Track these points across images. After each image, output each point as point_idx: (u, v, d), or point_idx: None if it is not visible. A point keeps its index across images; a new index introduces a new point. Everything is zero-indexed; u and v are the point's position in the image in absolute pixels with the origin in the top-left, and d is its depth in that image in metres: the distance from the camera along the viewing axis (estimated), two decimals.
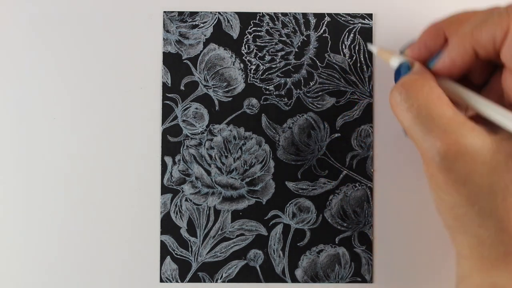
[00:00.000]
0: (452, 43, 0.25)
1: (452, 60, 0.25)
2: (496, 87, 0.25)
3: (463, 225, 0.25)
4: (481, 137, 0.23)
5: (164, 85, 0.33)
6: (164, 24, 0.33)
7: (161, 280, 0.33)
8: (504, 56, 0.23)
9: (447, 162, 0.23)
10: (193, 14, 0.33)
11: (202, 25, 0.33)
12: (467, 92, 0.25)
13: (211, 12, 0.33)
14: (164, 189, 0.33)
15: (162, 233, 0.33)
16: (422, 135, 0.24)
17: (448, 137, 0.23)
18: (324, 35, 0.33)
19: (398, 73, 0.27)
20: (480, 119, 0.25)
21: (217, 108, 0.33)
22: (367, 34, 0.33)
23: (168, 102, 0.33)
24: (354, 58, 0.33)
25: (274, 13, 0.33)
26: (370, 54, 0.33)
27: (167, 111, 0.33)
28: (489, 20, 0.23)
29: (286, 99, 0.33)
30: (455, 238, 0.26)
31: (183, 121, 0.33)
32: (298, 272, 0.33)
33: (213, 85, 0.33)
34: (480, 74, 0.26)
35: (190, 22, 0.33)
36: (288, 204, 0.33)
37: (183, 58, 0.33)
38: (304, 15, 0.33)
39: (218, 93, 0.33)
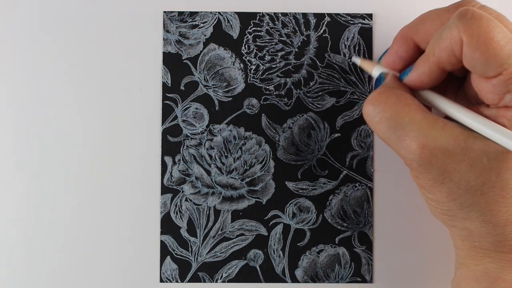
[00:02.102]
0: (418, 62, 0.26)
1: (419, 78, 0.26)
2: (471, 86, 0.26)
3: (450, 219, 0.26)
4: (453, 136, 0.24)
5: (164, 85, 0.33)
6: (164, 24, 0.33)
7: (161, 280, 0.33)
8: (466, 64, 0.24)
9: (424, 165, 0.25)
10: (193, 14, 0.33)
11: (202, 25, 0.33)
12: (438, 98, 0.26)
13: (211, 12, 0.33)
14: (164, 189, 0.33)
15: (162, 233, 0.33)
16: (397, 144, 0.25)
17: (420, 142, 0.24)
18: (324, 35, 0.33)
19: (377, 84, 0.28)
20: None
21: (217, 108, 0.33)
22: (367, 34, 0.33)
23: (168, 102, 0.33)
24: None
25: (274, 13, 0.33)
26: (370, 54, 0.33)
27: (167, 111, 0.33)
28: (443, 36, 0.24)
29: (286, 99, 0.33)
30: (449, 231, 0.28)
31: (183, 121, 0.33)
32: (298, 272, 0.33)
33: (213, 85, 0.33)
34: (458, 71, 0.27)
35: (190, 22, 0.33)
36: (288, 204, 0.33)
37: (183, 58, 0.33)
38: (304, 15, 0.33)
39: (218, 93, 0.33)
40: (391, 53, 0.28)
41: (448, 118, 0.26)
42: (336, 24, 0.33)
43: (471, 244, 0.26)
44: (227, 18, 0.33)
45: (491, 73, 0.23)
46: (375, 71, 0.29)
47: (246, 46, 0.33)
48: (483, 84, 0.24)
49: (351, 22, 0.33)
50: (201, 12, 0.33)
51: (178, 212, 0.33)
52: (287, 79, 0.33)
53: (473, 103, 0.26)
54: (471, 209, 0.25)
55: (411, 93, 0.27)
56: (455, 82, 0.28)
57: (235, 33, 0.33)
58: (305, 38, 0.33)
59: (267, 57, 0.33)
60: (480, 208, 0.25)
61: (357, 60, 0.31)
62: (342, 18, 0.33)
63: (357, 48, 0.33)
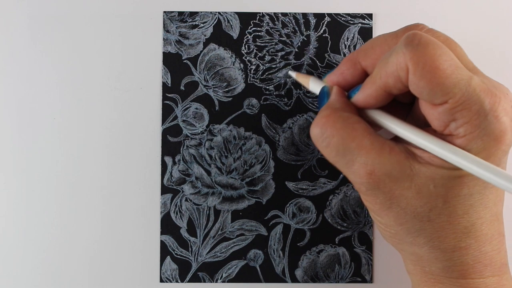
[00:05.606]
0: (365, 84, 0.26)
1: (365, 100, 0.26)
2: (419, 109, 0.26)
3: (399, 243, 0.26)
4: (399, 162, 0.24)
5: (164, 85, 0.33)
6: (164, 24, 0.33)
7: (161, 280, 0.33)
8: (412, 91, 0.23)
9: (372, 190, 0.25)
10: (193, 14, 0.33)
11: (202, 25, 0.33)
12: (386, 117, 0.26)
13: (211, 12, 0.33)
14: (164, 189, 0.33)
15: (162, 233, 0.33)
16: (346, 169, 0.25)
17: (368, 168, 0.24)
18: (324, 35, 0.33)
19: (321, 98, 0.28)
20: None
21: (217, 108, 0.33)
22: (367, 34, 0.33)
23: (168, 102, 0.33)
24: None
25: (274, 13, 0.33)
26: None
27: (167, 111, 0.33)
28: (389, 61, 0.23)
29: (286, 99, 0.33)
30: (401, 255, 0.28)
31: (183, 121, 0.33)
32: (298, 272, 0.33)
33: (213, 85, 0.33)
34: (406, 96, 0.27)
35: (190, 22, 0.33)
36: (288, 204, 0.33)
37: (183, 58, 0.33)
38: (304, 15, 0.33)
39: (218, 93, 0.33)
40: (337, 73, 0.28)
41: (396, 138, 0.26)
42: (336, 24, 0.33)
43: (421, 269, 0.26)
44: (227, 18, 0.33)
45: (437, 101, 0.23)
46: (312, 85, 0.28)
47: (246, 46, 0.33)
48: (430, 110, 0.24)
49: (351, 22, 0.33)
50: (201, 12, 0.33)
51: (178, 212, 0.33)
52: (287, 79, 0.33)
53: (422, 127, 0.25)
54: (419, 235, 0.25)
55: (358, 112, 0.26)
56: (405, 104, 0.28)
57: (235, 33, 0.33)
58: (305, 38, 0.33)
59: (267, 57, 0.33)
60: (427, 234, 0.25)
61: (293, 74, 0.31)
62: (342, 18, 0.33)
63: (357, 48, 0.33)
